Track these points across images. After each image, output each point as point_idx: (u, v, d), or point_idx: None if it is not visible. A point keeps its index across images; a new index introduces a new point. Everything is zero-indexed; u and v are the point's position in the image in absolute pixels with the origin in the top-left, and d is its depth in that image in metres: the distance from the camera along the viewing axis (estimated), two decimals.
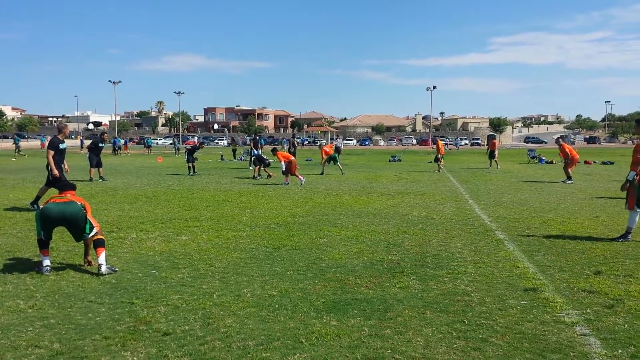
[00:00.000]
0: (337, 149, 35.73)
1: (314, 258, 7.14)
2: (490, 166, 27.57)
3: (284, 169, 17.98)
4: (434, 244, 8.10)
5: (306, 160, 35.88)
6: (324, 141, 53.57)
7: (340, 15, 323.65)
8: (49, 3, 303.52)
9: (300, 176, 18.08)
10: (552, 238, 8.55)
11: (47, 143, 11.74)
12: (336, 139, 48.14)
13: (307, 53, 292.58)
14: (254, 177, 20.62)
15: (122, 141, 56.72)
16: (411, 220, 10.35)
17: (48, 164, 11.04)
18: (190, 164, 22.51)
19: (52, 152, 11.04)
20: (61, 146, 11.33)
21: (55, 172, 10.90)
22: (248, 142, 36.49)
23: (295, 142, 29.36)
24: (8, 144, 68.82)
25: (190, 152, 22.83)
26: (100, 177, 19.30)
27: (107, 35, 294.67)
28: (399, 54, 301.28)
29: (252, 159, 23.50)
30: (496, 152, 27.75)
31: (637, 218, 8.39)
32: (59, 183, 9.88)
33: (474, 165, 31.41)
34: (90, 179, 18.95)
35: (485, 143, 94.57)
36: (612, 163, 33.00)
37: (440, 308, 5.10)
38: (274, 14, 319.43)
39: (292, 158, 18.66)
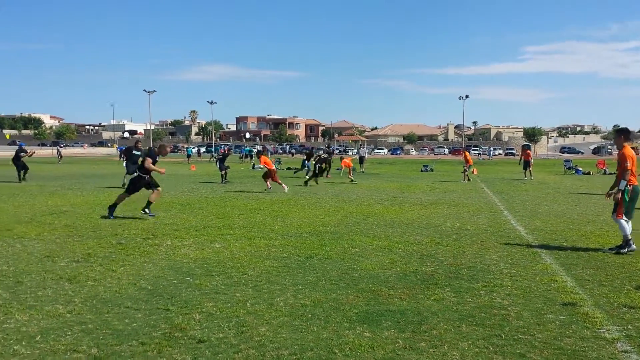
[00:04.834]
0: (362, 159, 35.63)
1: (346, 268, 7.12)
2: (525, 177, 27.11)
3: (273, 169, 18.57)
4: (468, 255, 7.98)
5: (337, 169, 35.85)
6: (351, 152, 53.30)
7: (371, 25, 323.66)
8: (84, 15, 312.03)
9: (284, 185, 18.43)
10: (590, 251, 8.34)
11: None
12: (360, 147, 47.85)
13: (337, 62, 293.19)
14: (305, 184, 21.28)
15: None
16: (445, 231, 10.23)
17: (150, 171, 11.62)
18: (222, 172, 22.79)
19: (150, 160, 11.65)
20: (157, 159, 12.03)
21: (162, 169, 11.79)
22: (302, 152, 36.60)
23: (331, 151, 29.51)
24: (48, 151, 70.65)
25: (222, 160, 23.17)
26: None
27: (142, 45, 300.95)
28: (430, 63, 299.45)
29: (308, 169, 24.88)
30: (531, 162, 27.28)
31: (627, 224, 8.25)
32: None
33: (508, 175, 30.93)
34: (123, 184, 19.30)
35: (520, 153, 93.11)
36: None
37: (476, 321, 5.01)
38: (306, 24, 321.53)
39: (273, 167, 19.02)
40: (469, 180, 24.84)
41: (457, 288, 6.15)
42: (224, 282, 6.34)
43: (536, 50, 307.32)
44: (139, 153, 20.42)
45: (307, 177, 22.73)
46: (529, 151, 28.24)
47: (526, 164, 27.23)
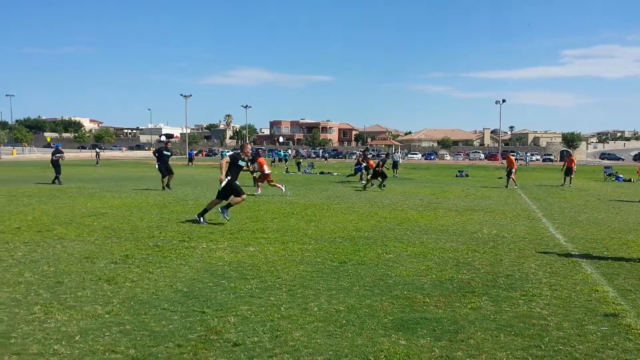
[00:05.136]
0: (395, 164, 35.32)
1: (380, 274, 7.06)
2: (564, 183, 26.51)
3: (267, 172, 19.00)
4: (506, 263, 7.83)
5: None
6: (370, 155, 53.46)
7: (405, 29, 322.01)
8: (123, 20, 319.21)
9: (260, 188, 18.96)
10: (632, 261, 8.09)
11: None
12: (394, 152, 47.37)
13: (371, 66, 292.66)
14: (364, 188, 21.74)
15: (194, 152, 59.29)
16: (481, 238, 10.07)
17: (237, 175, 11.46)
18: (254, 175, 23.12)
19: (227, 159, 11.52)
20: (240, 163, 11.80)
21: (222, 176, 11.32)
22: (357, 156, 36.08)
23: (367, 156, 29.36)
24: (87, 154, 72.43)
25: (252, 162, 23.61)
26: (167, 185, 19.84)
27: (178, 50, 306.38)
28: (466, 67, 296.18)
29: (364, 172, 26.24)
30: (574, 169, 26.65)
31: None
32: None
33: (546, 182, 30.29)
34: (163, 188, 19.63)
35: (559, 159, 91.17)
36: None
37: (514, 331, 4.90)
38: (340, 28, 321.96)
39: (269, 171, 19.39)
40: (505, 186, 24.43)
41: (495, 297, 6.04)
42: (258, 286, 6.36)
43: (575, 54, 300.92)
44: (169, 153, 20.79)
45: (367, 179, 23.23)
46: (573, 157, 27.56)
47: (568, 171, 26.58)
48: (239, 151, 12.11)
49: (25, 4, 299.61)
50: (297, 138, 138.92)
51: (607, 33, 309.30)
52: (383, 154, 33.17)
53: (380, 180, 22.37)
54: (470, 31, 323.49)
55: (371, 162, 25.30)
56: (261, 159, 19.85)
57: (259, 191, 18.92)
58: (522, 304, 5.77)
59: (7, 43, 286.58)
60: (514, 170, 24.95)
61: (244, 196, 11.67)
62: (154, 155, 20.92)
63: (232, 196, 11.49)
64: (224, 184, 11.33)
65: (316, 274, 7.00)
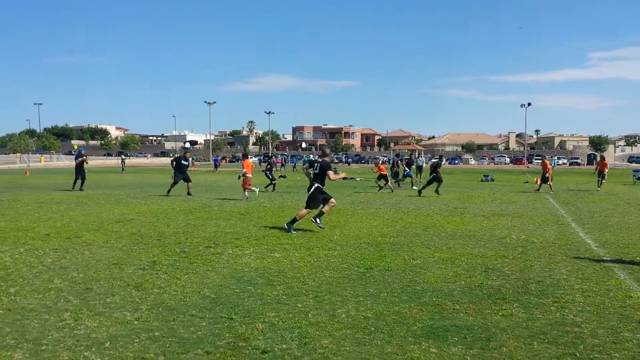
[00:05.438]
0: (419, 168, 35.25)
1: (407, 280, 6.99)
2: (599, 186, 25.99)
3: (247, 175, 18.93)
4: (536, 269, 7.68)
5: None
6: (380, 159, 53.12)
7: (428, 33, 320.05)
8: (147, 30, 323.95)
9: (247, 192, 18.84)
10: None
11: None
12: (418, 157, 46.95)
13: (394, 71, 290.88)
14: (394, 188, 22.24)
15: (220, 158, 60.25)
16: (510, 243, 9.90)
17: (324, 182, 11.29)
18: (274, 182, 23.82)
19: (331, 172, 11.38)
20: (329, 171, 11.59)
21: (344, 174, 11.58)
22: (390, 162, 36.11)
23: (399, 162, 29.05)
24: (113, 161, 73.49)
25: (269, 170, 24.24)
26: (188, 193, 20.04)
27: (202, 57, 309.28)
28: (490, 70, 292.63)
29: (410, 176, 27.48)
30: (605, 173, 26.15)
31: None
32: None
33: (574, 186, 29.75)
34: (168, 192, 19.85)
35: (586, 162, 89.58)
36: None
37: (548, 339, 4.79)
38: (361, 34, 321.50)
39: (250, 174, 19.20)
40: (537, 190, 24.07)
41: (526, 304, 5.92)
42: (285, 292, 6.34)
43: (601, 56, 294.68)
44: (187, 163, 21.05)
45: (420, 187, 22.84)
46: (606, 162, 27.02)
47: (600, 174, 26.07)
48: (325, 159, 11.56)
49: (56, 14, 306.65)
50: (320, 143, 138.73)
51: (634, 35, 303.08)
52: (436, 157, 32.68)
53: (426, 184, 22.10)
54: (494, 35, 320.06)
55: (382, 168, 25.07)
56: (247, 161, 19.65)
57: (247, 195, 18.98)
58: (555, 311, 5.64)
59: (37, 53, 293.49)
60: (548, 175, 24.43)
61: (334, 200, 11.49)
62: (171, 164, 21.20)
63: (322, 205, 11.33)
64: (311, 191, 11.27)
65: (343, 280, 6.95)
